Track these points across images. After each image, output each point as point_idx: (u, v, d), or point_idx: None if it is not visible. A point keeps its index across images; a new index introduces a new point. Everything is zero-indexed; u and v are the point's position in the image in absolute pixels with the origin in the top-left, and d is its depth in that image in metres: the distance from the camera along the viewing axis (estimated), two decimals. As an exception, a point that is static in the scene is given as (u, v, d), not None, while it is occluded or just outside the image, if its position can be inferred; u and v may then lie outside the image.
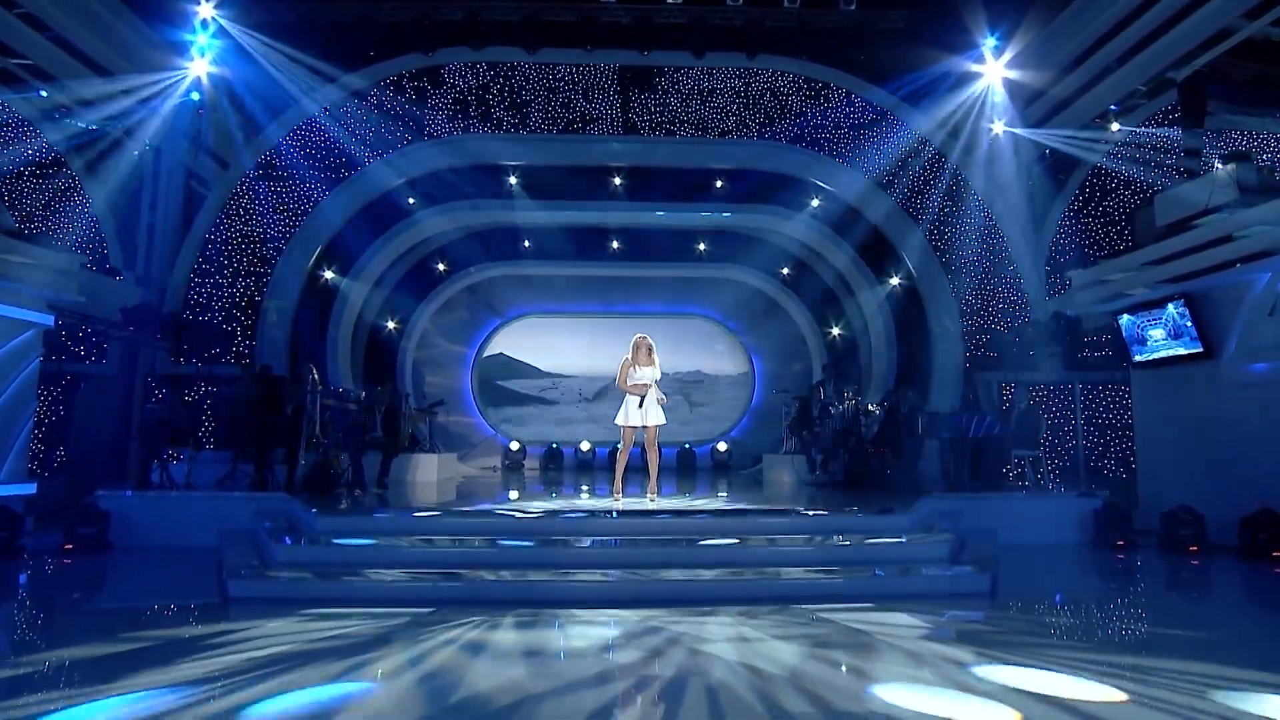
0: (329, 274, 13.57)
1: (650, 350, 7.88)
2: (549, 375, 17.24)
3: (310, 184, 12.49)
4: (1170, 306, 8.93)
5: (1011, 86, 11.58)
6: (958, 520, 6.74)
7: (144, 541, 7.44)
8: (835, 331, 16.08)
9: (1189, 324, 8.74)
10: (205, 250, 12.11)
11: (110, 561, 6.98)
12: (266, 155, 12.40)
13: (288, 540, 6.17)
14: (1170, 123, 11.29)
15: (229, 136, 12.15)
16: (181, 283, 11.99)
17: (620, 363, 8.01)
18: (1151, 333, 9.32)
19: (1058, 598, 5.93)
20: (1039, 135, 11.81)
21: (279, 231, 12.40)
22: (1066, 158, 11.91)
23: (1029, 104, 11.78)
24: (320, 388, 10.33)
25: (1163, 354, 9.20)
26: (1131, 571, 7.02)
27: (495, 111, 12.89)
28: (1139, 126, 11.49)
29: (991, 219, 12.39)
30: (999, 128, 11.94)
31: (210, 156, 12.38)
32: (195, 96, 11.55)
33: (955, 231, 12.56)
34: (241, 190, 12.30)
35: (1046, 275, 12.21)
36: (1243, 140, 11.73)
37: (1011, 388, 11.34)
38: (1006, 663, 3.89)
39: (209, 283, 12.07)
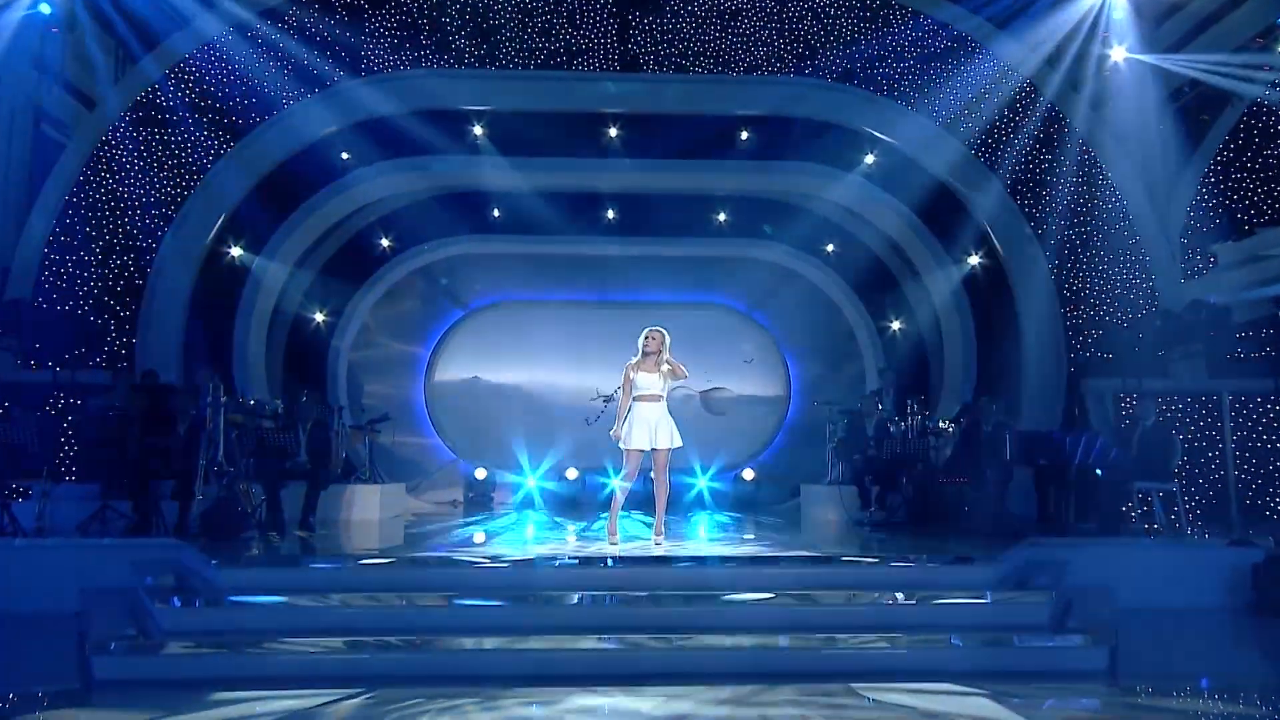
0: (236, 250, 13.46)
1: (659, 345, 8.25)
2: (530, 393, 17.13)
3: (209, 132, 12.37)
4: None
5: (1138, -2, 11.49)
6: (1060, 574, 6.68)
7: (-25, 606, 7.30)
8: (895, 326, 16.03)
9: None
10: (64, 217, 11.97)
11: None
12: (148, 93, 12.27)
13: (177, 601, 6.16)
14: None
15: (95, 66, 11.99)
16: (31, 260, 11.83)
17: (624, 369, 8.31)
18: (1328, 326, 9.18)
19: (1204, 683, 5.76)
20: (1174, 63, 11.64)
21: (167, 193, 12.28)
22: (1212, 93, 11.72)
23: (1161, 21, 11.68)
24: (225, 400, 10.31)
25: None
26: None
27: (454, 40, 12.81)
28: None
29: (1106, 178, 12.31)
30: (1119, 54, 11.83)
31: (69, 92, 12.27)
32: (45, 9, 11.40)
33: (1056, 196, 12.44)
34: (114, 138, 12.17)
35: (1182, 251, 12.13)
36: None
37: (1133, 399, 11.17)
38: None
39: (70, 260, 11.93)
